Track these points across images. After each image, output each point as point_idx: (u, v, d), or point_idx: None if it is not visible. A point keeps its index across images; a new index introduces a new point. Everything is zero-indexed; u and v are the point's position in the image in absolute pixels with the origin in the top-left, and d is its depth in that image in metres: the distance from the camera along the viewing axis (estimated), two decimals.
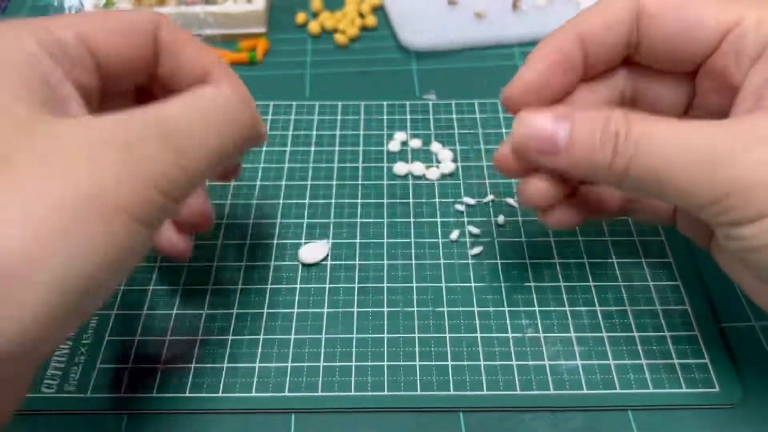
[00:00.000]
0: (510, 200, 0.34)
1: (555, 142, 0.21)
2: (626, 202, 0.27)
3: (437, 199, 0.34)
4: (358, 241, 0.32)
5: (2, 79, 0.18)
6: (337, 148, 0.37)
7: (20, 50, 0.19)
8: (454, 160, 0.36)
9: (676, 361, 0.27)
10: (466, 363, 0.28)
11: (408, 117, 0.39)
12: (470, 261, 0.31)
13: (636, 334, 0.28)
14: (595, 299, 0.30)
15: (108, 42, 0.22)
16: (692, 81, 0.25)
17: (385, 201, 0.34)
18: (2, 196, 0.16)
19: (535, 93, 0.23)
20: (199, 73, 0.23)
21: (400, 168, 0.36)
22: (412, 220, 0.33)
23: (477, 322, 0.29)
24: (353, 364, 0.28)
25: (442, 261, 0.31)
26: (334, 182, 0.35)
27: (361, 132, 0.38)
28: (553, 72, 0.23)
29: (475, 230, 0.33)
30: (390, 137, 0.38)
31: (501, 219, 0.33)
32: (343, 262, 0.31)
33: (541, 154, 0.22)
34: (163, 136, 0.19)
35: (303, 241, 0.32)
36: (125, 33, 0.22)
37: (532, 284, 0.30)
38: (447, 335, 0.28)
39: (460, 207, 0.34)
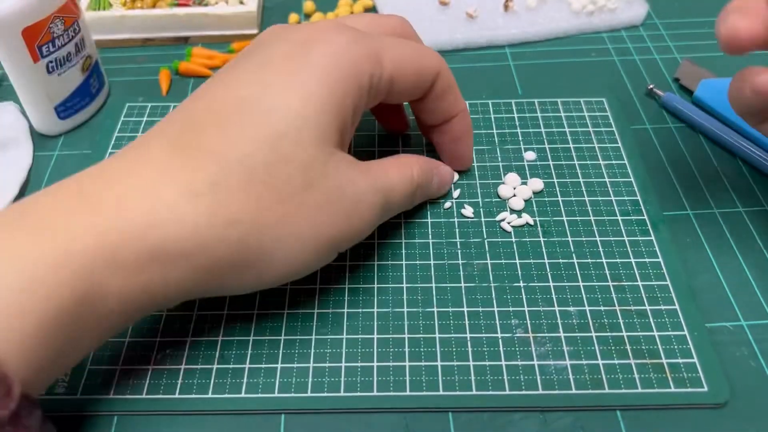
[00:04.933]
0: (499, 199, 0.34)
1: None
2: None
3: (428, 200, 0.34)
4: None
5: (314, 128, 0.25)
6: None
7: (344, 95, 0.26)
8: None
9: (664, 361, 0.27)
10: (455, 363, 0.28)
11: None
12: (460, 261, 0.31)
13: (625, 334, 0.28)
14: (585, 299, 0.30)
15: (405, 80, 0.28)
16: None
17: None
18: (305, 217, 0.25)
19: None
20: (449, 117, 0.32)
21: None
22: (402, 220, 0.33)
23: (466, 322, 0.29)
24: (343, 364, 0.28)
25: (432, 261, 0.31)
26: None
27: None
28: None
29: (466, 230, 0.33)
30: (383, 139, 0.38)
31: (492, 219, 0.33)
32: (333, 263, 0.31)
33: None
34: (385, 204, 0.28)
35: None
36: (417, 73, 0.29)
37: (521, 284, 0.30)
38: (437, 335, 0.29)
39: (450, 206, 0.34)
